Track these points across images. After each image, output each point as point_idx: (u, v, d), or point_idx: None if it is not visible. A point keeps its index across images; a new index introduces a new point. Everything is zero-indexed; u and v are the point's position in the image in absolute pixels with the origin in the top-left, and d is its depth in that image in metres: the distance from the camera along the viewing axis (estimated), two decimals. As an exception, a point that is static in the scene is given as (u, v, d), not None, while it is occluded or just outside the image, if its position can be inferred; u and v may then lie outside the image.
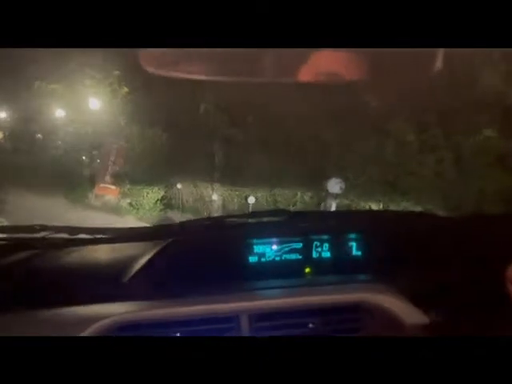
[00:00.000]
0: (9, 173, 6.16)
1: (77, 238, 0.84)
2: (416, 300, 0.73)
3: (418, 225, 0.95)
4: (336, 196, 5.61)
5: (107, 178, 6.94)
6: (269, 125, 6.35)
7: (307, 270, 0.89)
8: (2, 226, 0.88)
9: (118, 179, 6.98)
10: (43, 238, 0.83)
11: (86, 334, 0.68)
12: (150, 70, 0.77)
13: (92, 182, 7.09)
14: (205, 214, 7.00)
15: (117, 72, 6.79)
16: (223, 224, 0.94)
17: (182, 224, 0.91)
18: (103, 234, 0.86)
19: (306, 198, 6.61)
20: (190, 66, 0.77)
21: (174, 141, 7.19)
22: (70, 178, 7.11)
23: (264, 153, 6.64)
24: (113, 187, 7.00)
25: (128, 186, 6.99)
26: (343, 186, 5.64)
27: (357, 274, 0.86)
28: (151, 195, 7.03)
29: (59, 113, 7.47)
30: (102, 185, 7.00)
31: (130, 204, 6.99)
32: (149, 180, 6.95)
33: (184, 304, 0.74)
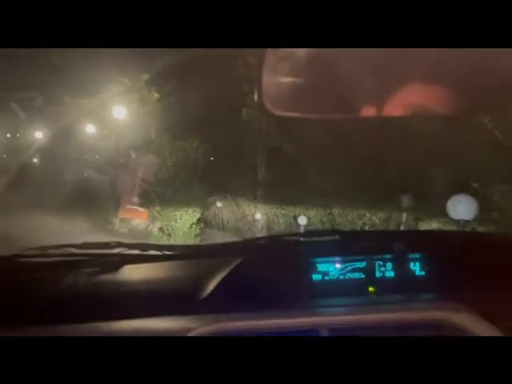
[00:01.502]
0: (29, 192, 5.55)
1: (148, 254, 0.91)
2: (485, 315, 0.74)
3: (476, 243, 0.99)
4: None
5: (134, 198, 5.92)
6: (324, 132, 5.14)
7: (371, 289, 0.90)
8: (83, 243, 0.93)
9: (146, 200, 5.93)
10: (118, 254, 0.90)
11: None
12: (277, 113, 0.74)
13: (117, 203, 6.09)
14: (248, 235, 6.22)
15: (146, 75, 5.83)
16: (283, 242, 0.99)
17: (243, 242, 1.04)
18: (171, 250, 0.93)
19: (376, 219, 5.33)
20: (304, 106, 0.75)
21: (212, 153, 6.17)
22: (93, 199, 6.14)
23: (319, 166, 5.43)
24: (141, 209, 5.95)
25: (158, 208, 5.92)
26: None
27: (421, 293, 0.87)
28: (185, 218, 5.93)
29: (84, 127, 6.63)
30: (128, 206, 5.98)
31: (161, 229, 5.92)
32: (183, 200, 5.86)
33: (259, 318, 0.77)
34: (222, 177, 6.00)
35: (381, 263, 0.90)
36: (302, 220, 5.92)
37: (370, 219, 5.36)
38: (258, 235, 6.05)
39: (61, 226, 5.29)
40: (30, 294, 0.84)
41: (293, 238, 1.00)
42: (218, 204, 6.47)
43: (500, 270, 0.81)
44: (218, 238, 6.30)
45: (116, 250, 0.91)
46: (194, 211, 5.95)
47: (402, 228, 4.96)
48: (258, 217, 6.28)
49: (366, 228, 5.35)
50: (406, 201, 4.99)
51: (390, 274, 0.90)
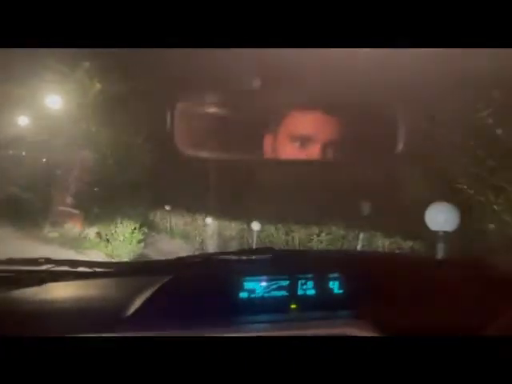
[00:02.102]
0: None
1: (77, 271, 0.91)
2: (387, 333, 0.82)
3: (392, 265, 1.05)
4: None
5: (68, 199, 5.25)
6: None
7: (293, 306, 0.95)
8: (8, 259, 0.91)
9: (82, 201, 5.28)
10: (46, 271, 0.90)
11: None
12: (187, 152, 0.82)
13: (47, 204, 5.36)
14: (197, 239, 5.97)
15: (87, 63, 5.26)
16: (215, 260, 1.02)
17: (177, 260, 1.00)
18: (102, 267, 0.94)
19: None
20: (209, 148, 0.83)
21: (159, 152, 5.68)
22: (19, 199, 5.34)
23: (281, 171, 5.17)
24: (75, 211, 5.29)
25: (96, 210, 5.29)
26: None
27: (338, 310, 0.93)
28: (127, 222, 5.35)
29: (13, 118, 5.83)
30: (60, 208, 5.28)
31: (98, 234, 5.27)
32: (124, 202, 5.29)
33: (187, 330, 0.80)
34: (169, 179, 5.51)
35: (303, 282, 0.96)
36: (256, 225, 5.62)
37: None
38: (209, 241, 5.74)
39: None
40: None
41: (226, 256, 1.03)
42: (167, 207, 5.97)
43: (407, 289, 0.89)
44: (164, 243, 5.78)
45: (44, 267, 0.90)
46: (136, 214, 5.39)
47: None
48: (209, 221, 5.88)
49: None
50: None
51: (311, 291, 0.96)
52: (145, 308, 0.85)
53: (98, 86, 5.26)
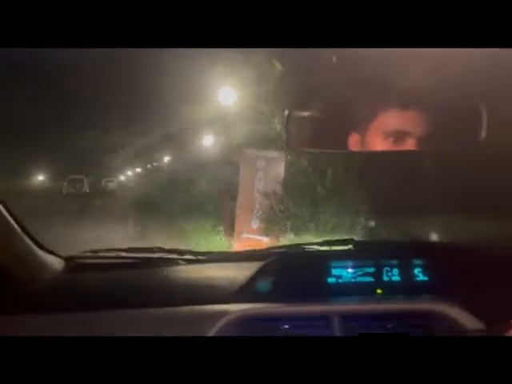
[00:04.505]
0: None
1: (184, 258, 1.05)
2: (476, 313, 0.86)
3: (471, 252, 1.07)
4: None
5: (254, 222, 3.91)
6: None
7: (379, 291, 0.98)
8: (129, 248, 1.08)
9: (272, 223, 3.84)
10: (159, 258, 1.06)
11: (216, 327, 0.83)
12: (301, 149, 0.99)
13: (229, 231, 4.18)
14: None
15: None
16: (304, 249, 1.12)
17: (269, 249, 1.13)
18: (204, 255, 1.07)
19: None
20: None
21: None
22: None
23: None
24: (263, 238, 3.91)
25: (292, 237, 3.76)
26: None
27: (423, 295, 0.97)
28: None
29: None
30: (244, 235, 4.00)
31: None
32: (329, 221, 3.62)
33: (290, 305, 0.90)
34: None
35: (388, 269, 1.00)
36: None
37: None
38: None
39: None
40: (88, 290, 0.98)
41: (313, 246, 1.11)
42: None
43: (488, 276, 0.92)
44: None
45: (157, 255, 1.06)
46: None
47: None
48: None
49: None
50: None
51: (397, 278, 1.00)
52: (251, 286, 0.96)
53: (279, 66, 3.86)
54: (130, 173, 17.29)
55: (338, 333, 0.84)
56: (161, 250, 1.04)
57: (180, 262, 1.04)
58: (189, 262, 1.04)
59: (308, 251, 1.09)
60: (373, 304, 0.91)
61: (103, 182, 17.20)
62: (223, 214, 4.50)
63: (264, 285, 0.96)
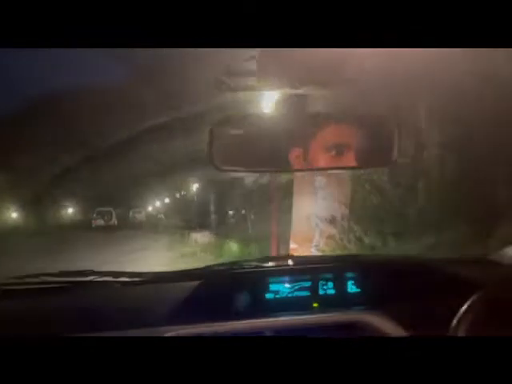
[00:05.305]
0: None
1: (120, 280, 1.00)
2: (401, 323, 0.92)
3: (401, 266, 1.13)
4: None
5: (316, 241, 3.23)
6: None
7: (315, 304, 1.00)
8: (59, 272, 1.03)
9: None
10: (91, 281, 1.01)
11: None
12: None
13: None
14: None
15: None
16: (241, 266, 1.10)
17: (206, 268, 1.08)
18: (140, 277, 1.02)
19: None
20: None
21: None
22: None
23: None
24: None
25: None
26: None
27: (356, 306, 1.00)
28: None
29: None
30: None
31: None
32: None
33: (224, 324, 0.91)
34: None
35: (323, 282, 1.02)
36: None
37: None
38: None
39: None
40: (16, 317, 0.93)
41: (251, 263, 1.10)
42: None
43: (413, 288, 0.98)
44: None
45: (89, 278, 1.00)
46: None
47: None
48: None
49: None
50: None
51: (331, 291, 1.02)
52: (180, 308, 0.93)
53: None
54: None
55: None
56: (93, 272, 1.02)
57: (114, 284, 1.01)
58: (124, 284, 1.01)
59: (246, 268, 1.09)
60: (305, 317, 0.96)
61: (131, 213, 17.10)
62: (271, 242, 3.87)
63: (200, 304, 0.96)
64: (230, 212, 9.25)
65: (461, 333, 0.81)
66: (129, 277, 1.00)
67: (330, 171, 1.05)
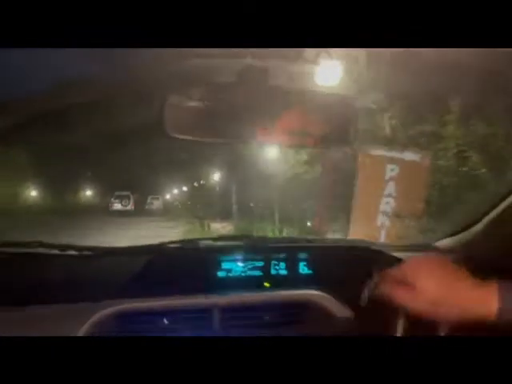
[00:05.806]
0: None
1: (67, 254, 0.97)
2: (348, 304, 0.96)
3: (351, 250, 1.15)
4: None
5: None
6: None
7: (266, 284, 1.01)
8: (7, 242, 1.00)
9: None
10: (39, 254, 0.97)
11: (88, 324, 0.83)
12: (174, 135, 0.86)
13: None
14: None
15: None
16: (197, 245, 1.10)
17: (159, 244, 1.05)
18: (89, 251, 0.99)
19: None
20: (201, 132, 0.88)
21: None
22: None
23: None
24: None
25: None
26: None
27: (307, 287, 1.02)
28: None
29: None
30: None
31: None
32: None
33: (168, 299, 0.91)
34: None
35: (276, 262, 1.02)
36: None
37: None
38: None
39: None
40: None
41: (206, 241, 1.10)
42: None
43: (360, 272, 0.93)
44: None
45: (37, 250, 0.97)
46: None
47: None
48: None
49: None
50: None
51: (283, 272, 1.03)
52: (132, 283, 0.92)
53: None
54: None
55: (216, 325, 0.90)
56: (41, 244, 0.95)
57: (62, 257, 0.96)
58: (72, 257, 0.96)
59: (200, 246, 1.07)
60: (255, 297, 0.97)
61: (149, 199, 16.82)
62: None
63: (149, 280, 0.94)
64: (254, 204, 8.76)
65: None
66: (79, 250, 0.97)
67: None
